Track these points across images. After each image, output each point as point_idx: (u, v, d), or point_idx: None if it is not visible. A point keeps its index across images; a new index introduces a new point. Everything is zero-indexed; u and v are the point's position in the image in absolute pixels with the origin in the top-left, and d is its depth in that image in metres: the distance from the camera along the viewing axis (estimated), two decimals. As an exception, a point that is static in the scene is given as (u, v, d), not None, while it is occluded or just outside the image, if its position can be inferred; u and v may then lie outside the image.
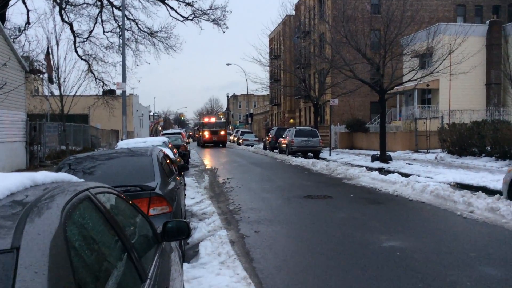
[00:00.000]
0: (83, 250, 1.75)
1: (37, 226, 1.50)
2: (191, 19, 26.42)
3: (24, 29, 23.37)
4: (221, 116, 56.05)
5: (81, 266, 1.62)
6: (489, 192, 11.46)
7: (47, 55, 20.50)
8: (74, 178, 2.44)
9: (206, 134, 49.88)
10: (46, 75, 24.78)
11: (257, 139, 55.00)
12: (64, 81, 19.07)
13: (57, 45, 19.31)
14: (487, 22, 33.67)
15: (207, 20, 26.34)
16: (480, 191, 11.06)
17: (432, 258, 6.25)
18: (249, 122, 71.48)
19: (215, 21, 26.00)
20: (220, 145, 49.82)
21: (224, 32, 27.71)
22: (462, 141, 22.21)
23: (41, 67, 26.66)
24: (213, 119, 52.84)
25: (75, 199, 1.89)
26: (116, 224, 2.25)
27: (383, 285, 5.24)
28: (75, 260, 1.56)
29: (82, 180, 2.66)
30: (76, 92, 19.76)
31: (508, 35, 30.41)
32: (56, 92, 19.78)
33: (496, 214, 8.77)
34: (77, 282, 1.47)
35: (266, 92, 51.11)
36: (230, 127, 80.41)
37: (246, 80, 68.85)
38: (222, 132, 50.10)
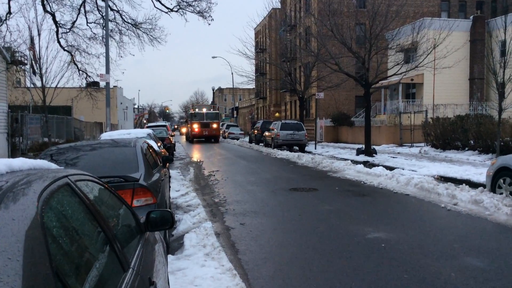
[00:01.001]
0: (61, 237, 1.68)
1: (12, 211, 1.43)
2: (176, 11, 26.14)
3: (5, 19, 22.87)
4: (214, 109, 48.16)
5: (59, 254, 1.55)
6: (473, 185, 11.59)
7: (32, 45, 20.08)
8: (53, 166, 2.35)
9: (196, 127, 43.03)
10: (28, 66, 24.34)
11: (242, 132, 54.87)
12: (46, 72, 18.67)
13: (39, 35, 18.88)
14: (471, 17, 33.99)
15: (192, 12, 26.08)
16: (463, 184, 11.17)
17: (416, 249, 6.27)
18: (235, 115, 71.32)
19: (200, 13, 25.77)
20: (212, 140, 43.64)
21: (209, 24, 27.75)
22: (445, 135, 22.43)
23: (22, 58, 26.17)
24: (204, 110, 45.20)
25: (53, 185, 1.81)
26: (97, 212, 2.17)
27: (368, 276, 5.24)
28: (52, 247, 1.49)
29: (62, 167, 2.57)
30: (58, 83, 19.38)
31: (492, 30, 30.70)
32: (38, 84, 19.40)
33: (479, 206, 8.85)
34: (55, 270, 1.40)
35: (252, 85, 50.95)
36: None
37: (232, 74, 68.69)
38: (215, 125, 43.13)
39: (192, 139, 43.67)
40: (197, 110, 45.40)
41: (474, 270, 5.40)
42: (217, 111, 46.64)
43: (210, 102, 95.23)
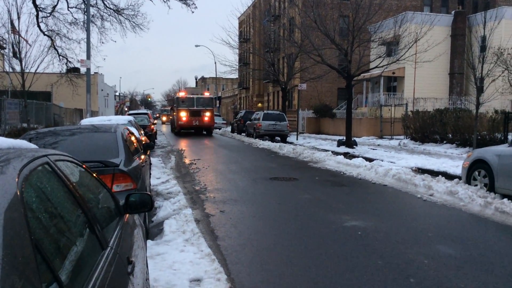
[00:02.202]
0: (41, 213, 1.72)
1: (-8, 186, 1.46)
2: (159, -3, 25.85)
3: (-16, 1, 22.38)
4: (207, 94, 38.03)
5: (38, 228, 1.59)
6: (449, 176, 11.83)
7: (13, 27, 19.62)
8: (32, 146, 2.37)
9: (184, 115, 34.31)
10: (6, 50, 23.84)
11: (225, 122, 54.70)
12: (25, 56, 18.34)
13: (18, 18, 18.50)
14: (453, 12, 34.44)
15: (175, -1, 25.83)
16: (440, 176, 11.39)
17: (391, 237, 6.43)
18: (218, 105, 71.11)
19: (183, 0, 25.50)
20: (204, 132, 35.93)
21: (193, 12, 27.37)
22: (425, 128, 22.79)
23: (1, 42, 25.62)
24: (194, 94, 37.32)
25: (33, 163, 1.84)
26: (76, 192, 2.21)
27: (344, 262, 5.37)
28: (32, 222, 1.52)
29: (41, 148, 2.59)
30: (38, 68, 19.04)
31: (472, 26, 31.15)
32: (18, 68, 19.05)
33: (454, 197, 9.07)
34: (34, 242, 1.43)
35: (235, 75, 50.75)
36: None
37: (215, 63, 68.26)
38: (208, 114, 34.63)
39: (178, 130, 35.32)
40: (185, 94, 37.04)
41: (446, 258, 5.56)
42: (211, 96, 37.35)
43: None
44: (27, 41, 18.26)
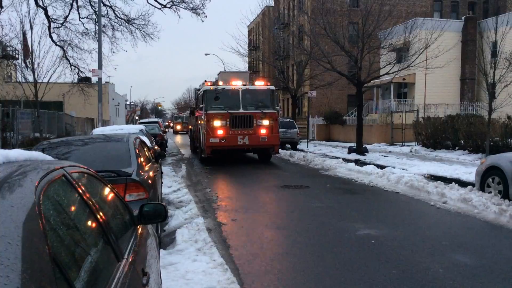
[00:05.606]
0: (58, 225, 1.72)
1: (11, 199, 1.47)
2: (169, 7, 26.02)
3: (-3, 13, 22.67)
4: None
5: (56, 241, 1.59)
6: (462, 183, 11.69)
7: (24, 39, 19.91)
8: (48, 157, 2.38)
9: (218, 125, 17.74)
10: (19, 61, 24.16)
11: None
12: (38, 67, 18.60)
13: (31, 29, 18.80)
14: (463, 18, 34.27)
15: (185, 9, 25.96)
16: (453, 183, 11.27)
17: (405, 246, 6.36)
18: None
19: (193, 10, 25.66)
20: (257, 156, 20.67)
21: (202, 21, 27.38)
22: (436, 135, 22.61)
23: (14, 52, 25.97)
24: (239, 83, 18.64)
25: (49, 175, 1.85)
26: (92, 203, 2.21)
27: (358, 271, 5.31)
28: (50, 234, 1.52)
29: (57, 159, 2.60)
30: (50, 78, 19.29)
31: (483, 31, 30.96)
32: (30, 78, 19.33)
33: (468, 205, 8.96)
34: (52, 255, 1.43)
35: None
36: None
37: (225, 71, 68.30)
38: (266, 122, 18.16)
39: (208, 153, 18.08)
40: (221, 83, 18.77)
41: (462, 267, 5.49)
42: (270, 87, 19.30)
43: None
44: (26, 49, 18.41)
